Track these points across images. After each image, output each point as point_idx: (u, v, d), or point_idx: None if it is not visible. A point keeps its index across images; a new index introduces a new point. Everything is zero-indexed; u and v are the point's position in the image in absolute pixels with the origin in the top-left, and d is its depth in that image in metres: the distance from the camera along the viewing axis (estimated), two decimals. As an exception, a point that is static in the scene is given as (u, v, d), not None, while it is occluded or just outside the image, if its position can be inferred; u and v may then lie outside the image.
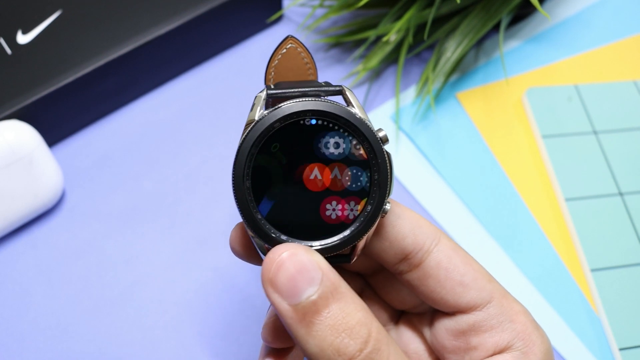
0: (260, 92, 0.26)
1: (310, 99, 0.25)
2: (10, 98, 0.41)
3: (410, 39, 0.44)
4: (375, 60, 0.46)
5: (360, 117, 0.26)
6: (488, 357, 0.27)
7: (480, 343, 0.28)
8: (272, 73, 0.31)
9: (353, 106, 0.26)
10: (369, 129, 0.26)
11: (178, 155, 0.45)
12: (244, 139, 0.25)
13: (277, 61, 0.30)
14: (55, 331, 0.39)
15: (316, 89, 0.27)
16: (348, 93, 0.27)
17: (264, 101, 0.26)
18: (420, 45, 0.48)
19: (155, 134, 0.45)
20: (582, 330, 0.39)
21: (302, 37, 0.49)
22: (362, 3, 0.43)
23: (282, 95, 0.26)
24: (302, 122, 0.25)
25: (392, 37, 0.46)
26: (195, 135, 0.45)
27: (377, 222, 0.26)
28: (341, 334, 0.23)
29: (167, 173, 0.44)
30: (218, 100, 0.47)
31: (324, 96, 0.26)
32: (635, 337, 0.38)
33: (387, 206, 0.26)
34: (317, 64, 0.48)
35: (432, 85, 0.45)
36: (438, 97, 0.47)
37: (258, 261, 0.29)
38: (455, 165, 0.44)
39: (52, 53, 0.42)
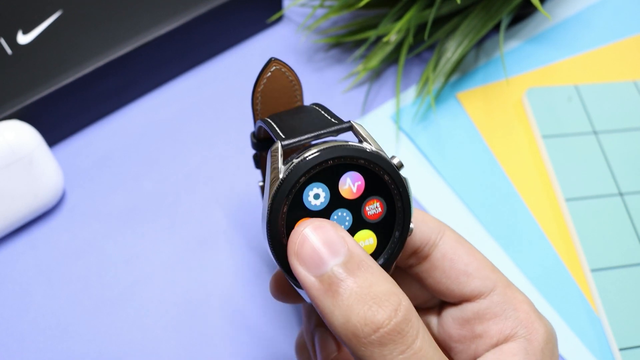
0: (274, 147, 0.26)
1: (326, 146, 0.25)
2: (10, 98, 0.41)
3: (410, 39, 0.44)
4: (375, 60, 0.46)
5: (376, 152, 0.26)
6: (492, 344, 0.28)
7: (485, 331, 0.28)
8: (259, 97, 0.31)
9: (366, 140, 0.26)
10: (387, 162, 0.26)
11: (178, 155, 0.45)
12: (274, 199, 0.25)
13: (262, 86, 0.31)
14: (55, 331, 0.39)
15: (327, 130, 0.27)
16: (358, 127, 0.27)
17: (282, 153, 0.26)
18: (420, 46, 0.48)
19: (155, 134, 0.45)
20: (582, 330, 0.39)
21: (302, 37, 0.49)
22: (362, 3, 0.43)
23: (298, 144, 0.26)
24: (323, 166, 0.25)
25: (393, 37, 0.46)
26: (195, 135, 0.45)
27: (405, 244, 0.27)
28: (368, 302, 0.23)
29: (167, 173, 0.44)
30: (218, 100, 0.47)
31: (335, 135, 0.26)
32: (635, 337, 0.38)
33: (412, 225, 0.27)
34: (317, 64, 0.48)
35: (432, 85, 0.45)
36: (438, 97, 0.47)
37: (302, 300, 0.30)
38: (455, 165, 0.44)
39: (52, 53, 0.42)
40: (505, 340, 0.28)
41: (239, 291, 0.40)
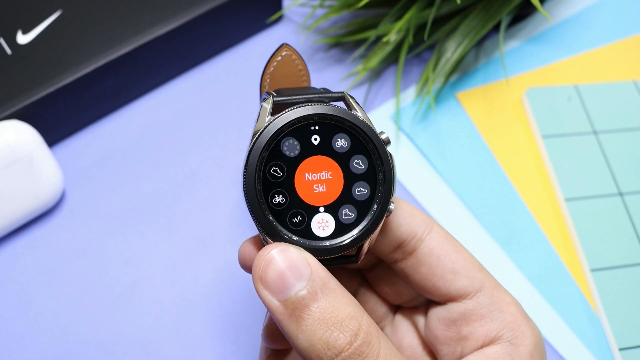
0: (265, 101, 0.27)
1: (316, 104, 0.26)
2: (10, 98, 0.41)
3: (410, 39, 0.44)
4: (375, 60, 0.46)
5: (364, 119, 0.26)
6: (478, 347, 0.28)
7: (471, 332, 0.28)
8: (268, 80, 0.32)
9: (356, 110, 0.27)
10: (372, 131, 0.26)
11: (178, 155, 0.45)
12: (255, 142, 0.26)
13: (272, 68, 0.32)
14: (55, 331, 0.39)
15: (319, 95, 0.27)
16: (349, 98, 0.27)
17: (271, 109, 0.27)
18: (420, 46, 0.48)
19: (155, 134, 0.45)
20: (582, 330, 0.39)
21: (302, 37, 0.49)
22: (362, 3, 0.43)
23: (288, 102, 0.27)
24: (311, 127, 0.26)
25: (392, 37, 0.46)
26: (195, 136, 0.45)
27: (383, 221, 0.27)
28: (330, 327, 0.23)
29: (167, 173, 0.44)
30: (218, 101, 0.47)
31: (327, 102, 0.27)
32: (635, 337, 0.38)
33: (392, 206, 0.27)
34: (317, 64, 0.48)
35: (432, 85, 0.45)
36: (438, 97, 0.47)
37: None
38: (455, 165, 0.44)
39: (52, 53, 0.42)
40: (490, 342, 0.27)
41: (239, 291, 0.40)
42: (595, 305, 0.40)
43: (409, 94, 0.47)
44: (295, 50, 0.31)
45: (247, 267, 0.29)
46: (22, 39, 0.43)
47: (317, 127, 0.26)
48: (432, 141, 0.45)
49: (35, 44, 0.43)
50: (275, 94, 0.28)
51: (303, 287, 0.24)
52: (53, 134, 0.44)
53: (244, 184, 0.26)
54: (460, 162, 0.45)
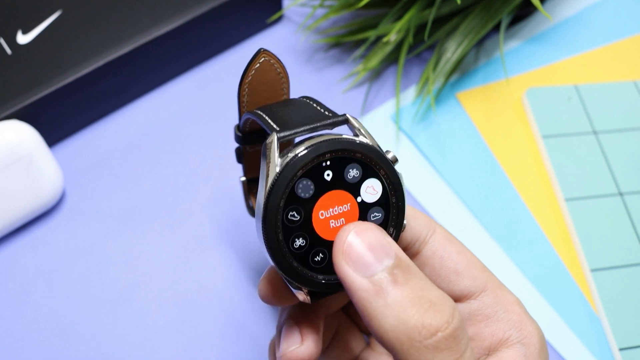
0: (269, 139, 0.26)
1: (323, 139, 0.25)
2: (10, 98, 0.41)
3: (410, 39, 0.44)
4: (375, 60, 0.46)
5: (372, 145, 0.26)
6: (485, 347, 0.28)
7: (476, 333, 0.28)
8: (247, 89, 0.30)
9: (362, 134, 0.26)
10: (382, 156, 0.26)
11: (178, 155, 0.45)
12: (270, 192, 0.25)
13: (250, 77, 0.30)
14: (55, 331, 0.39)
15: (323, 122, 0.26)
16: (353, 121, 0.27)
17: (277, 146, 0.25)
18: (420, 46, 0.48)
19: (155, 134, 0.45)
20: (582, 330, 0.39)
21: (302, 37, 0.49)
22: (362, 3, 0.43)
23: (293, 136, 0.26)
24: (323, 164, 0.25)
25: (393, 37, 0.46)
26: (195, 135, 0.45)
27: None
28: (424, 305, 0.22)
29: (167, 173, 0.44)
30: (218, 100, 0.47)
31: (331, 128, 0.26)
32: (635, 337, 0.38)
33: (405, 222, 0.27)
34: (317, 64, 0.48)
35: (432, 85, 0.45)
36: (438, 97, 0.47)
37: (292, 301, 0.29)
38: (455, 165, 0.44)
39: (52, 53, 0.42)
40: (499, 343, 0.27)
41: (239, 291, 0.40)
42: (595, 305, 0.40)
43: (409, 94, 0.47)
44: (273, 54, 0.30)
45: (268, 302, 0.29)
46: (22, 39, 0.43)
47: (328, 163, 0.25)
48: (432, 141, 0.45)
49: (35, 44, 0.43)
50: (278, 129, 0.26)
51: (390, 264, 0.23)
52: (53, 134, 0.44)
53: (264, 236, 0.25)
54: (460, 162, 0.45)
